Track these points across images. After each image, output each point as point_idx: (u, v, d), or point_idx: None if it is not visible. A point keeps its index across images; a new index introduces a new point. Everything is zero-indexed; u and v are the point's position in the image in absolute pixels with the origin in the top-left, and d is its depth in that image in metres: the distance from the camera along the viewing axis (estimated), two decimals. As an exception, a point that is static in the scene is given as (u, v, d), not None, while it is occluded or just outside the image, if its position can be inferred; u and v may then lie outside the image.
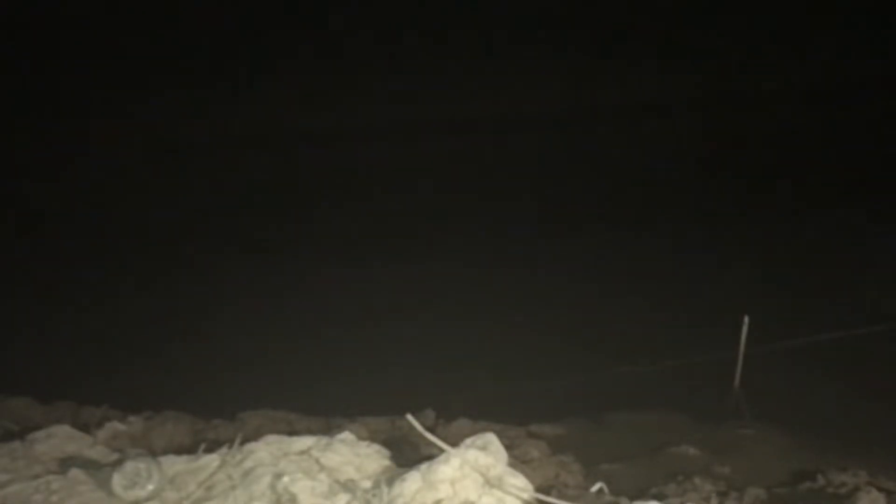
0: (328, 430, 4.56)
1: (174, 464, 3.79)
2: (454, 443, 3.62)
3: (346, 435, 4.01)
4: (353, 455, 3.82)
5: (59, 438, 4.22)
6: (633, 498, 3.83)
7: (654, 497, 3.84)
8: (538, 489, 3.61)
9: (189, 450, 4.13)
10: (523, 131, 15.70)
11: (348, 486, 3.55)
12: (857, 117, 15.10)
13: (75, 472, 3.76)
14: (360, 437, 4.14)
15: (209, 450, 3.92)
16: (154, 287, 9.12)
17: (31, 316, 8.06)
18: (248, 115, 15.88)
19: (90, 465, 3.93)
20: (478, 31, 18.23)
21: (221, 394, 6.01)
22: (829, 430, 5.30)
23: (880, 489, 3.96)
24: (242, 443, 3.90)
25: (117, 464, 3.75)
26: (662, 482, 4.31)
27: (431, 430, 4.09)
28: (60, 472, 3.83)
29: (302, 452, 3.82)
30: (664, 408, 5.72)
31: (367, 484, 3.60)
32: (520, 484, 3.48)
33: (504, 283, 8.77)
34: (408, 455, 4.07)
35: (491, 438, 3.66)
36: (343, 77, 16.85)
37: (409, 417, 3.78)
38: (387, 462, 3.83)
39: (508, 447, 3.91)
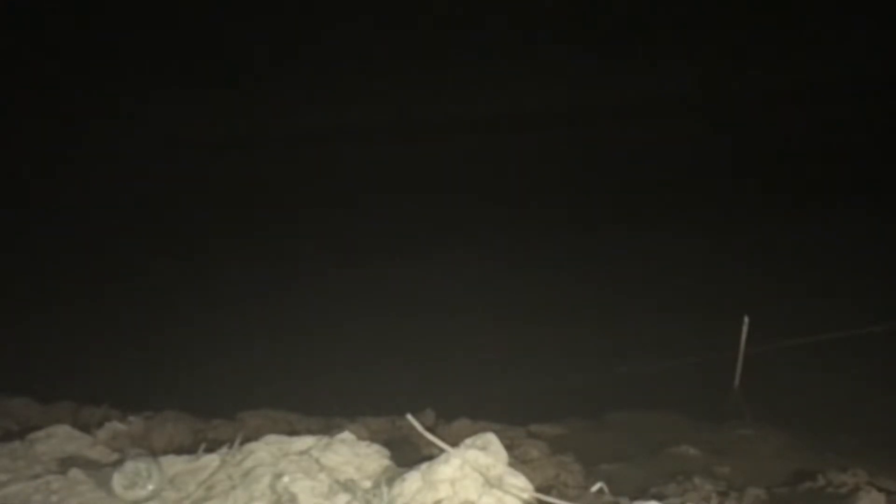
0: (328, 430, 4.55)
1: (174, 464, 3.79)
2: (454, 443, 3.62)
3: (346, 435, 4.01)
4: (353, 455, 3.82)
5: (59, 438, 4.23)
6: (633, 498, 3.83)
7: (654, 497, 3.83)
8: (538, 489, 3.61)
9: (189, 450, 4.13)
10: (524, 131, 15.71)
11: (348, 486, 3.55)
12: (857, 116, 15.10)
13: (75, 472, 3.76)
14: (360, 437, 4.13)
15: (209, 450, 3.92)
16: (154, 286, 9.13)
17: (30, 316, 8.06)
18: (249, 115, 15.89)
19: (90, 465, 3.93)
20: (478, 32, 18.24)
21: (221, 394, 6.01)
22: (829, 430, 5.30)
23: (880, 489, 3.95)
24: (242, 443, 3.90)
25: (117, 464, 3.75)
26: (662, 482, 4.31)
27: (431, 430, 4.09)
28: (60, 472, 3.83)
29: (302, 452, 3.81)
30: (664, 408, 5.71)
31: (367, 484, 3.59)
32: (520, 484, 3.48)
33: (505, 283, 8.77)
34: (408, 455, 4.07)
35: (491, 438, 3.66)
36: (344, 77, 16.87)
37: (409, 417, 3.78)
38: (387, 462, 3.83)
39: (508, 447, 3.90)
